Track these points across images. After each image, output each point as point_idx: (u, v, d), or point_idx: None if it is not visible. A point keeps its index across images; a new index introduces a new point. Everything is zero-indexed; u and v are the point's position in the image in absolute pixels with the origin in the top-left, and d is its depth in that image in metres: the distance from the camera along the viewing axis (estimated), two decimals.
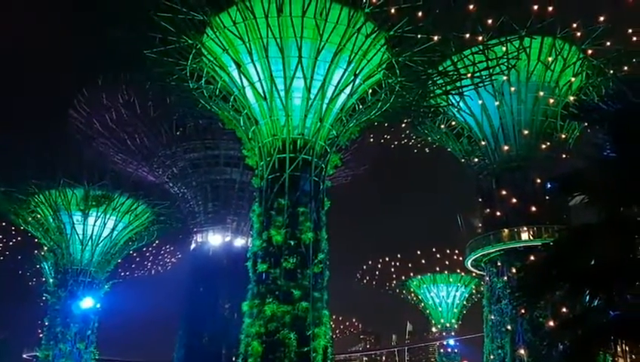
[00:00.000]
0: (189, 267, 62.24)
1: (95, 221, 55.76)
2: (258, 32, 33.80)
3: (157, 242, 69.40)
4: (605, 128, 10.60)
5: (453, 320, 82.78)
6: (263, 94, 35.33)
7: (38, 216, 55.74)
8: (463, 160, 50.46)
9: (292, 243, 33.36)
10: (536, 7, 39.28)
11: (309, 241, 33.73)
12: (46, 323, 55.61)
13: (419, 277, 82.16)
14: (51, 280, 59.53)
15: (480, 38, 38.29)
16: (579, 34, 41.38)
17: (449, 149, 52.25)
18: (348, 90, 36.22)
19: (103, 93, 50.07)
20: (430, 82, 40.85)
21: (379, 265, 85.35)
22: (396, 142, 55.86)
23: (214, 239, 59.35)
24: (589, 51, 42.94)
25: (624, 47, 40.98)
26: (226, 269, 54.91)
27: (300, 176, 35.37)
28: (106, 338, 62.92)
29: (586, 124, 15.61)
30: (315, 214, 34.95)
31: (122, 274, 73.81)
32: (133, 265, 75.89)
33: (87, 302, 55.30)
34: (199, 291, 57.11)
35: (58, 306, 55.20)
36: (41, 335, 56.55)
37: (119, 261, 62.53)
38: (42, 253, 62.23)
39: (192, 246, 61.15)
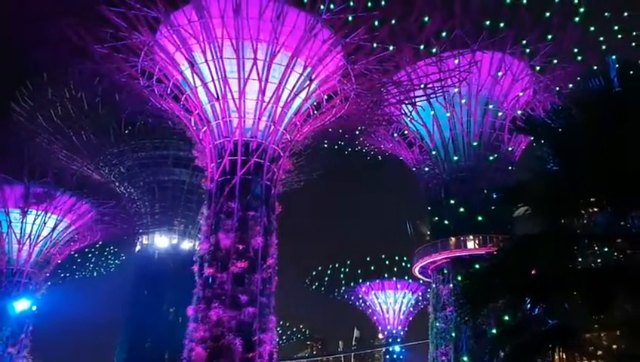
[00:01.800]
0: (134, 269, 60.57)
1: (34, 219, 53.41)
2: (213, 32, 33.38)
3: (100, 243, 67.21)
4: (549, 143, 10.88)
5: (400, 327, 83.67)
6: (215, 95, 34.85)
7: None
8: (414, 168, 51.26)
9: (241, 247, 32.97)
10: (488, 22, 40.40)
11: (259, 246, 33.40)
12: None
13: (367, 283, 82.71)
14: None
15: (433, 51, 39.12)
16: (528, 51, 42.83)
17: (401, 158, 53.00)
18: (303, 95, 36.19)
19: (48, 87, 48.12)
20: (384, 91, 41.38)
21: (328, 271, 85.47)
22: (350, 149, 56.21)
23: (160, 241, 58.00)
24: (537, 68, 44.53)
25: (569, 65, 42.69)
26: (172, 272, 53.68)
27: (251, 180, 35.04)
28: (41, 342, 60.31)
29: (532, 137, 16.08)
30: (265, 219, 34.66)
31: (62, 275, 71.07)
32: (74, 266, 73.15)
33: (22, 304, 52.80)
34: (143, 294, 55.62)
35: None
36: None
37: (59, 261, 60.14)
38: None
39: (137, 248, 59.56)
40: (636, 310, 9.16)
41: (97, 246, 69.07)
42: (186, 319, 33.55)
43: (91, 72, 39.03)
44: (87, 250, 68.27)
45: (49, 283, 57.43)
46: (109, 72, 37.01)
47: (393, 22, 34.59)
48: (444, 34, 38.77)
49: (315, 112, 38.75)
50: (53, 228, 54.65)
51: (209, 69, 34.41)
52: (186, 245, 57.70)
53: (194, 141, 38.61)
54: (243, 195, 34.43)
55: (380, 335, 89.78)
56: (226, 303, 31.47)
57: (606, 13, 40.26)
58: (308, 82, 35.75)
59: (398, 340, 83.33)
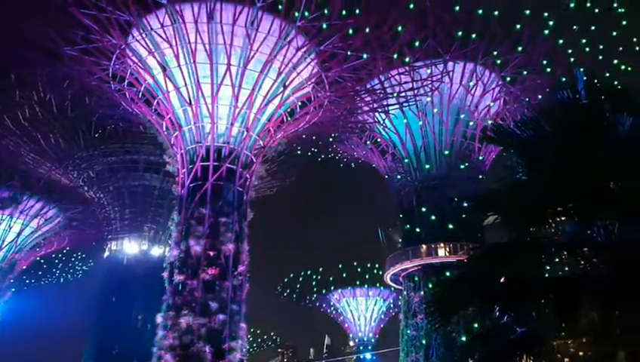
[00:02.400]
0: (102, 276, 59.42)
1: None
2: (186, 37, 33.11)
3: (68, 248, 65.73)
4: (518, 152, 11.04)
5: (371, 334, 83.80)
6: (188, 100, 34.52)
7: None
8: (386, 176, 51.56)
9: (212, 254, 32.64)
10: (460, 33, 41.00)
11: (230, 253, 33.11)
12: None
13: (339, 290, 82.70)
14: None
15: (407, 60, 39.51)
16: (499, 62, 43.59)
17: (374, 165, 53.29)
18: (277, 101, 36.12)
19: (16, 88, 46.95)
20: (358, 99, 41.60)
21: (299, 278, 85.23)
22: (323, 156, 56.30)
23: (130, 247, 57.05)
24: (508, 78, 45.34)
25: (539, 76, 43.57)
26: (141, 279, 52.75)
27: (223, 186, 34.76)
28: (5, 350, 58.68)
29: (502, 147, 16.34)
30: (237, 225, 34.40)
31: (27, 281, 69.21)
32: (39, 272, 71.34)
33: None
34: (111, 301, 54.56)
35: None
36: None
37: (24, 267, 58.61)
38: None
39: (106, 253, 58.46)
40: (601, 317, 9.33)
41: (65, 251, 67.55)
42: (155, 326, 32.99)
43: (61, 75, 38.29)
44: (53, 255, 66.72)
45: (13, 289, 55.86)
46: (80, 74, 36.35)
47: (367, 30, 34.81)
48: (417, 44, 39.17)
49: (289, 119, 38.70)
50: (19, 233, 53.30)
51: (182, 73, 34.10)
52: (156, 251, 56.89)
53: (165, 146, 38.15)
54: (214, 201, 34.13)
55: (351, 343, 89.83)
56: (196, 310, 31.07)
57: (574, 27, 41.25)
58: (282, 89, 35.71)
59: (369, 347, 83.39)
